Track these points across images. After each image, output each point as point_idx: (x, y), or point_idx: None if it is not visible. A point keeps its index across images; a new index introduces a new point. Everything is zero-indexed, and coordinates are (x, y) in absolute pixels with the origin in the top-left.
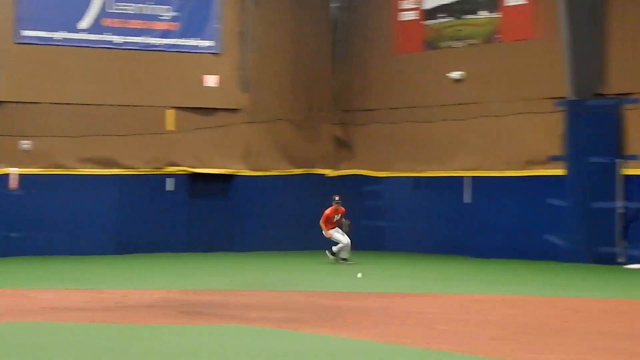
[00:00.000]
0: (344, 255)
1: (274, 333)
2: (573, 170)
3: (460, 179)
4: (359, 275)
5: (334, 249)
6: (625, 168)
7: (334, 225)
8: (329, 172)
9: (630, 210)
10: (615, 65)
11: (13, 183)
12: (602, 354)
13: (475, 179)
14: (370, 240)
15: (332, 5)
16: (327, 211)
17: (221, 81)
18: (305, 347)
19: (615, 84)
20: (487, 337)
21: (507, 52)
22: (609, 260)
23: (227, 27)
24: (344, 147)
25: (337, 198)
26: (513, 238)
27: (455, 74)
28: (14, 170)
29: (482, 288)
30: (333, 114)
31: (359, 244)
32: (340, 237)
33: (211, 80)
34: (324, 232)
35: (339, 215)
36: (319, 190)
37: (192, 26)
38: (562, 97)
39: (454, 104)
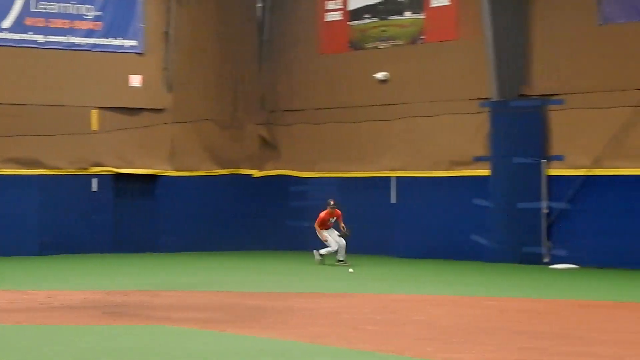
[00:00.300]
0: (340, 257)
1: (199, 334)
2: (498, 170)
3: (386, 179)
4: (350, 270)
5: (322, 251)
6: (549, 168)
7: (328, 227)
8: (255, 173)
9: (554, 211)
10: (539, 66)
11: None
12: (527, 353)
13: (400, 179)
14: (296, 241)
15: (257, 5)
16: (322, 214)
17: (146, 81)
18: (230, 348)
19: (539, 85)
20: (413, 337)
21: (431, 53)
22: (534, 260)
23: (151, 27)
24: (269, 147)
25: (332, 202)
26: (439, 238)
27: (381, 75)
28: None
29: (408, 288)
30: (259, 114)
31: (285, 244)
32: (332, 240)
33: (136, 80)
34: (318, 234)
35: (334, 218)
36: (244, 190)
37: (115, 26)
38: (486, 98)
39: (380, 105)
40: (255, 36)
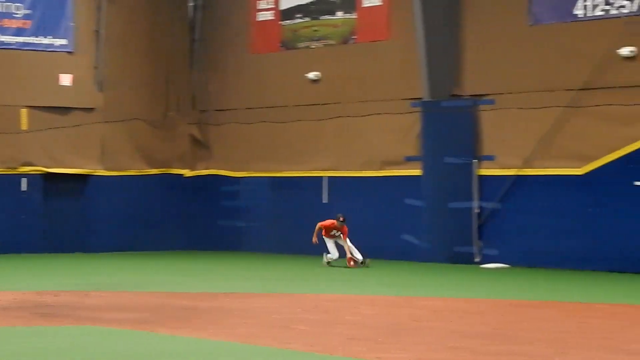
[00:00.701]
0: (328, 259)
1: (131, 334)
2: (429, 170)
3: (318, 179)
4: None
5: (327, 260)
6: (480, 168)
7: (330, 237)
8: (187, 172)
9: (485, 211)
10: (470, 66)
11: None
12: (458, 352)
13: (332, 179)
14: (228, 241)
15: (189, 4)
16: (328, 222)
17: (76, 80)
18: (163, 349)
19: (470, 85)
20: (345, 337)
21: (363, 53)
22: (465, 259)
23: (81, 26)
24: (201, 147)
25: (341, 219)
26: (370, 238)
27: (312, 75)
28: None
29: (339, 288)
30: (190, 114)
31: (217, 244)
32: (332, 247)
33: (66, 79)
34: (315, 233)
35: (339, 232)
36: (176, 190)
37: (45, 24)
38: (418, 98)
39: (311, 104)
40: (187, 35)
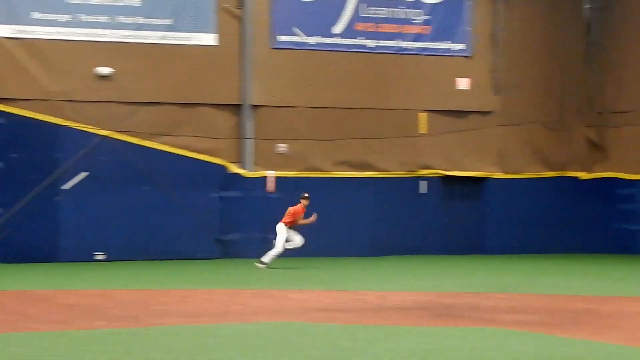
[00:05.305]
0: (266, 259)
1: (527, 336)
2: None
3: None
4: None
5: (271, 256)
6: None
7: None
8: (582, 175)
9: None
10: None
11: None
12: None
13: None
14: (623, 244)
15: (585, 6)
16: (297, 208)
17: (473, 84)
18: (558, 352)
19: None
20: None
21: None
22: None
23: (478, 30)
24: (597, 149)
25: (306, 194)
26: None
27: None
28: (270, 173)
29: None
30: (586, 116)
31: (612, 248)
32: (281, 242)
33: (463, 83)
34: (286, 226)
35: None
36: (571, 193)
37: (443, 29)
38: None
39: None
40: (582, 37)
